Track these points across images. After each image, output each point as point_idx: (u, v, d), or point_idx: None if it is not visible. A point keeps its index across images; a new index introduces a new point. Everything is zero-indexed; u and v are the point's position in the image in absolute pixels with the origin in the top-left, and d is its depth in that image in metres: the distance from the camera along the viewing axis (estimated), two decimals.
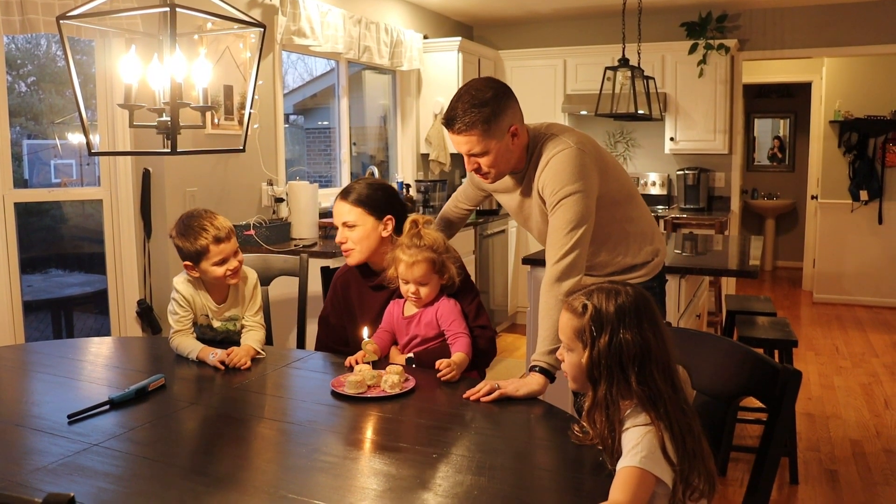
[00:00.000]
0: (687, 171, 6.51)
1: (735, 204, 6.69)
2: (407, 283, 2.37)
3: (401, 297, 2.46)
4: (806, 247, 8.36)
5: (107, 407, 1.92)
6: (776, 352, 3.69)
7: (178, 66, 1.64)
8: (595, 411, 1.58)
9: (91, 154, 1.69)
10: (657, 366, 1.53)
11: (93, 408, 1.88)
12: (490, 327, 2.47)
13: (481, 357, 2.43)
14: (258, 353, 2.43)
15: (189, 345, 2.42)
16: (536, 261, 3.66)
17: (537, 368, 2.07)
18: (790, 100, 9.45)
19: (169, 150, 1.65)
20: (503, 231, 6.22)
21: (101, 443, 1.71)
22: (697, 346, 1.83)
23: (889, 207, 7.32)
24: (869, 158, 7.34)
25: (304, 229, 4.41)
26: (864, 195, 7.35)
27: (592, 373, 1.56)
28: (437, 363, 2.17)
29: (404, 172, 6.22)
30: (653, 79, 5.04)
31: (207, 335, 2.59)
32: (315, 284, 3.08)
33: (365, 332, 2.19)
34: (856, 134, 7.38)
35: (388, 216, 2.55)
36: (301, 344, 2.97)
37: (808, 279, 8.18)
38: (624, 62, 4.59)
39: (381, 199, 2.55)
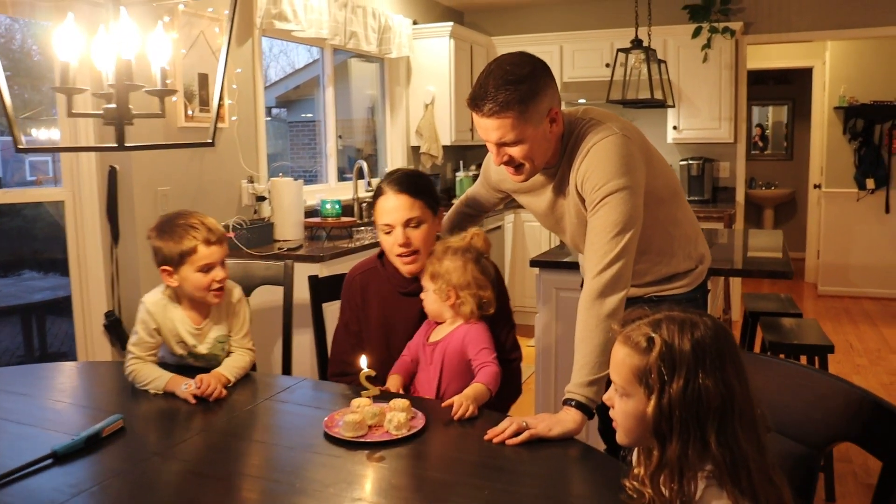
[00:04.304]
0: (691, 161, 6.20)
1: (740, 195, 6.40)
2: None
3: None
4: (808, 237, 8.11)
5: (49, 461, 1.56)
6: (802, 357, 3.39)
7: (128, 38, 1.29)
8: (661, 474, 1.25)
9: (18, 151, 1.34)
10: (742, 421, 1.22)
11: (30, 464, 1.52)
12: (521, 358, 2.21)
13: (512, 390, 2.14)
14: (228, 380, 2.08)
15: (150, 373, 2.05)
16: (546, 263, 3.33)
17: (573, 403, 1.74)
18: (788, 86, 9.18)
19: (115, 145, 1.31)
20: (499, 227, 5.89)
21: None
22: (777, 377, 1.51)
23: None
24: (875, 145, 7.08)
25: (289, 230, 4.06)
26: (870, 183, 7.09)
27: (660, 426, 1.24)
28: (447, 402, 1.84)
29: (394, 166, 5.86)
30: (664, 62, 4.70)
31: (191, 366, 2.21)
32: (301, 293, 2.74)
33: (363, 361, 1.84)
34: (861, 120, 7.12)
35: (441, 209, 2.23)
36: (287, 365, 2.62)
37: (811, 271, 7.93)
38: (637, 43, 4.24)
39: (432, 188, 2.21)
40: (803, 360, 3.42)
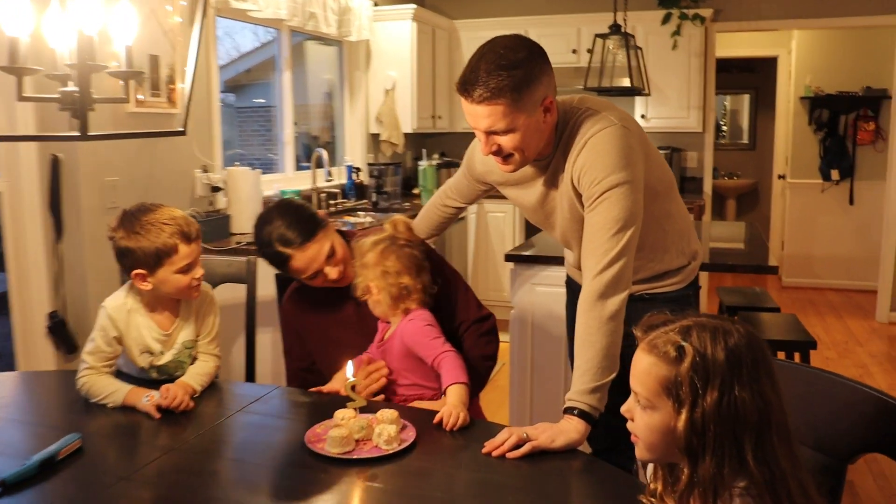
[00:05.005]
0: (660, 151, 6.09)
1: (707, 185, 6.32)
2: None
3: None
4: (772, 228, 8.10)
5: None
6: (780, 353, 3.31)
7: (90, 10, 1.08)
8: (691, 494, 1.14)
9: None
10: (778, 435, 1.12)
11: None
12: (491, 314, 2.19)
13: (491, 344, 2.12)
14: (195, 390, 1.88)
15: (106, 386, 1.83)
16: (520, 258, 3.17)
17: (575, 411, 1.61)
18: (751, 75, 9.14)
19: (78, 134, 1.10)
20: (462, 218, 5.72)
21: None
22: (798, 383, 1.42)
23: (860, 187, 7.07)
24: (840, 136, 7.07)
25: (247, 222, 3.82)
26: (835, 174, 7.10)
27: (692, 443, 1.12)
28: (437, 418, 1.69)
29: (353, 155, 5.64)
30: (640, 49, 4.54)
31: (151, 378, 1.99)
32: (263, 290, 2.55)
33: (349, 368, 1.67)
34: (827, 111, 7.10)
35: (328, 218, 2.18)
36: (251, 369, 2.42)
37: (775, 262, 7.90)
38: (616, 28, 4.08)
39: (312, 212, 2.13)
40: (781, 355, 3.35)
